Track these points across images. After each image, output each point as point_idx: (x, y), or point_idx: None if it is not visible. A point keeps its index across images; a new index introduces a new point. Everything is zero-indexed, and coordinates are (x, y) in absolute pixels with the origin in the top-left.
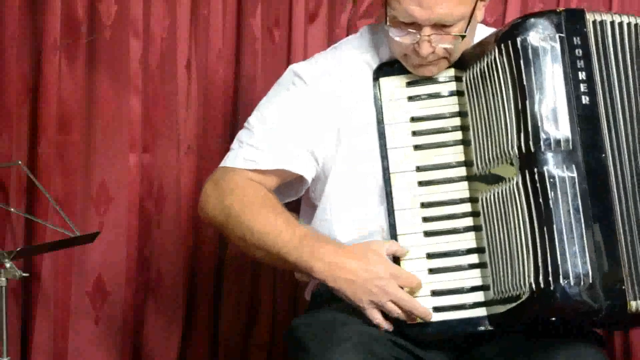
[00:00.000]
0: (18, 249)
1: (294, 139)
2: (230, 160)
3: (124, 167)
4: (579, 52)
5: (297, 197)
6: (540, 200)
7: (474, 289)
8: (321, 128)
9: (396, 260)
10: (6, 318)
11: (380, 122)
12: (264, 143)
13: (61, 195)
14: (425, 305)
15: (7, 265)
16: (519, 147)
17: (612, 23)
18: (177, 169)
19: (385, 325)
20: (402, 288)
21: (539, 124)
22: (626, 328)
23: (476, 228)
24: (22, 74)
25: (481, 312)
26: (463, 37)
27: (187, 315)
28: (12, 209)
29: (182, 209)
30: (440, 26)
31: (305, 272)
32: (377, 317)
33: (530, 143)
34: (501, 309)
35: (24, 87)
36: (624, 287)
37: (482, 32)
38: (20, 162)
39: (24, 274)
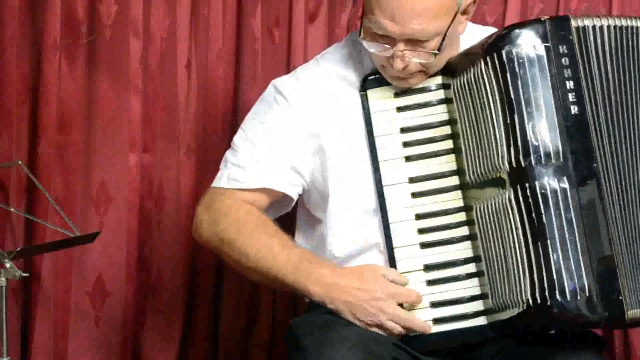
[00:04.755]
0: (18, 249)
1: (277, 157)
2: (217, 180)
3: (124, 167)
4: (565, 60)
5: (288, 210)
6: (533, 215)
7: (473, 298)
8: (305, 145)
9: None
10: (6, 318)
11: (370, 134)
12: (247, 162)
13: (61, 195)
14: (425, 317)
15: (7, 265)
16: (509, 162)
17: (594, 27)
18: (177, 169)
19: (392, 338)
20: (402, 305)
21: (529, 138)
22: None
23: (472, 237)
24: (22, 74)
25: (482, 320)
26: (436, 54)
27: (187, 315)
28: (12, 209)
29: (182, 209)
30: (414, 41)
31: (302, 294)
32: (382, 335)
33: (521, 157)
34: (501, 316)
35: (24, 87)
36: (621, 297)
37: (481, 32)
38: (20, 162)
39: (24, 274)
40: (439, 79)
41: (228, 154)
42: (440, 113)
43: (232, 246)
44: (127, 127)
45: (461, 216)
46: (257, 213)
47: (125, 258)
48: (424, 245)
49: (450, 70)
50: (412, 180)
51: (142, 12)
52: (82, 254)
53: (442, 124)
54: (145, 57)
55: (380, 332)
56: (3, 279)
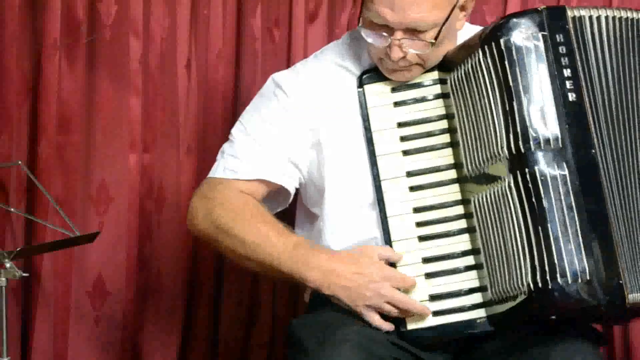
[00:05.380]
0: (18, 249)
1: (274, 149)
2: (213, 171)
3: (124, 167)
4: (562, 49)
5: (286, 205)
6: (533, 200)
7: (471, 290)
8: (302, 138)
9: (392, 265)
10: (6, 318)
11: (367, 129)
12: (244, 153)
13: (61, 195)
14: None
15: (7, 265)
16: (509, 148)
17: (591, 17)
18: (177, 169)
19: (385, 326)
20: (398, 289)
21: (528, 124)
22: (626, 321)
23: (470, 230)
24: (22, 74)
25: (480, 313)
26: (433, 44)
27: (187, 315)
28: (12, 209)
29: (182, 209)
30: (412, 31)
31: (299, 281)
32: (375, 320)
33: (520, 143)
34: (500, 309)
35: (24, 87)
36: (621, 281)
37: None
38: (20, 162)
39: (24, 274)
40: (435, 74)
41: (225, 145)
42: (437, 107)
43: (228, 234)
44: (127, 127)
45: (459, 209)
46: (253, 202)
47: (125, 258)
48: (422, 239)
49: (446, 65)
50: (410, 174)
51: (142, 12)
52: (82, 254)
53: (439, 118)
54: (145, 57)
55: (376, 318)
56: (3, 279)
